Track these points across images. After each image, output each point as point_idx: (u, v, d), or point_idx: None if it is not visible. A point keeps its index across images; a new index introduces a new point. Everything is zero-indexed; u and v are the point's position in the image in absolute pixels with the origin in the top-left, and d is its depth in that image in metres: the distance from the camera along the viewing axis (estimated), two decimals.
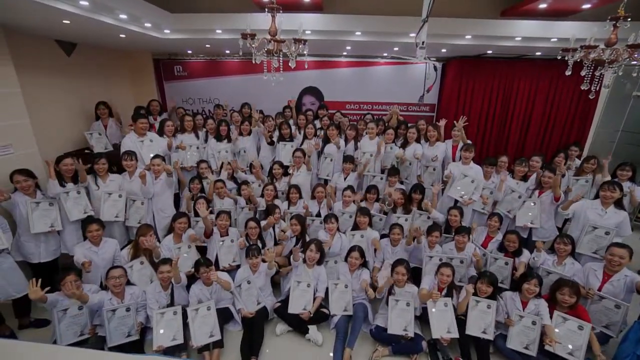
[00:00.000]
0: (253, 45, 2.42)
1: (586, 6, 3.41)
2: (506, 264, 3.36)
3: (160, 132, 4.46)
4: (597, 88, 2.81)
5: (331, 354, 2.94)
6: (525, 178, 4.10)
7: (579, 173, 4.25)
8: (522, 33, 4.00)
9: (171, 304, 2.99)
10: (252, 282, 3.19)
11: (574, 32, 2.84)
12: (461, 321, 2.90)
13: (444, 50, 5.08)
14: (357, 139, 4.82)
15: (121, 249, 3.42)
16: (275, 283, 3.64)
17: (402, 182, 4.54)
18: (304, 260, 3.34)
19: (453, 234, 3.59)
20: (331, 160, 4.59)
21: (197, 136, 4.77)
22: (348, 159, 4.47)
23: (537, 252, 3.34)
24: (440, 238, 3.57)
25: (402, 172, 4.59)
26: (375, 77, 6.47)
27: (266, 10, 2.50)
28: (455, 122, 4.51)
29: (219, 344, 2.88)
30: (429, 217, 3.93)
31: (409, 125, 4.85)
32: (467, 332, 2.86)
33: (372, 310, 3.32)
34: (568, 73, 2.78)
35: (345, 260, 3.40)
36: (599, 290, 2.90)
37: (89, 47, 4.85)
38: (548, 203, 3.76)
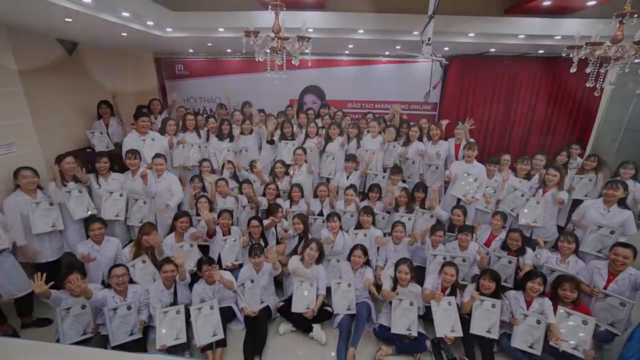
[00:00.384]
0: (257, 43, 2.40)
1: (591, 3, 3.39)
2: (509, 262, 3.34)
3: (162, 131, 4.45)
4: (602, 85, 2.79)
5: (334, 353, 2.93)
6: (528, 176, 4.08)
7: (580, 171, 4.25)
8: (526, 31, 3.98)
9: (174, 302, 2.98)
10: (256, 281, 3.18)
11: (578, 30, 2.81)
12: (465, 320, 2.89)
13: (446, 49, 5.06)
14: (359, 138, 4.81)
15: (122, 247, 3.41)
16: (278, 282, 3.63)
17: (404, 181, 4.52)
18: (302, 260, 3.32)
19: (456, 232, 3.58)
20: (333, 158, 4.58)
21: (199, 135, 4.76)
22: (350, 157, 4.46)
23: (539, 249, 3.32)
24: (443, 237, 3.56)
25: (405, 171, 4.58)
26: (377, 76, 6.44)
27: (270, 7, 2.49)
28: (460, 122, 4.50)
29: (222, 343, 2.87)
30: (432, 216, 3.91)
31: (411, 124, 4.84)
32: (471, 331, 2.85)
33: (376, 309, 3.31)
34: (573, 70, 2.76)
35: (348, 259, 3.39)
36: (605, 289, 2.89)
37: (90, 46, 4.83)
38: (551, 202, 3.74)
